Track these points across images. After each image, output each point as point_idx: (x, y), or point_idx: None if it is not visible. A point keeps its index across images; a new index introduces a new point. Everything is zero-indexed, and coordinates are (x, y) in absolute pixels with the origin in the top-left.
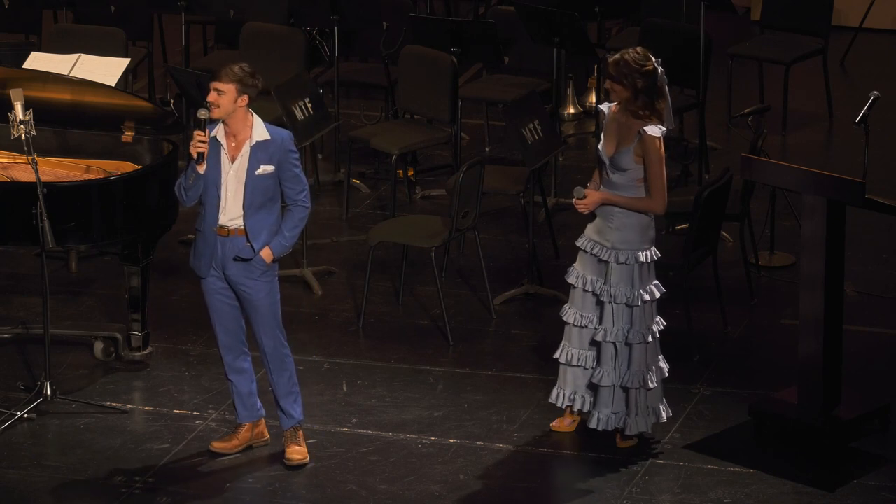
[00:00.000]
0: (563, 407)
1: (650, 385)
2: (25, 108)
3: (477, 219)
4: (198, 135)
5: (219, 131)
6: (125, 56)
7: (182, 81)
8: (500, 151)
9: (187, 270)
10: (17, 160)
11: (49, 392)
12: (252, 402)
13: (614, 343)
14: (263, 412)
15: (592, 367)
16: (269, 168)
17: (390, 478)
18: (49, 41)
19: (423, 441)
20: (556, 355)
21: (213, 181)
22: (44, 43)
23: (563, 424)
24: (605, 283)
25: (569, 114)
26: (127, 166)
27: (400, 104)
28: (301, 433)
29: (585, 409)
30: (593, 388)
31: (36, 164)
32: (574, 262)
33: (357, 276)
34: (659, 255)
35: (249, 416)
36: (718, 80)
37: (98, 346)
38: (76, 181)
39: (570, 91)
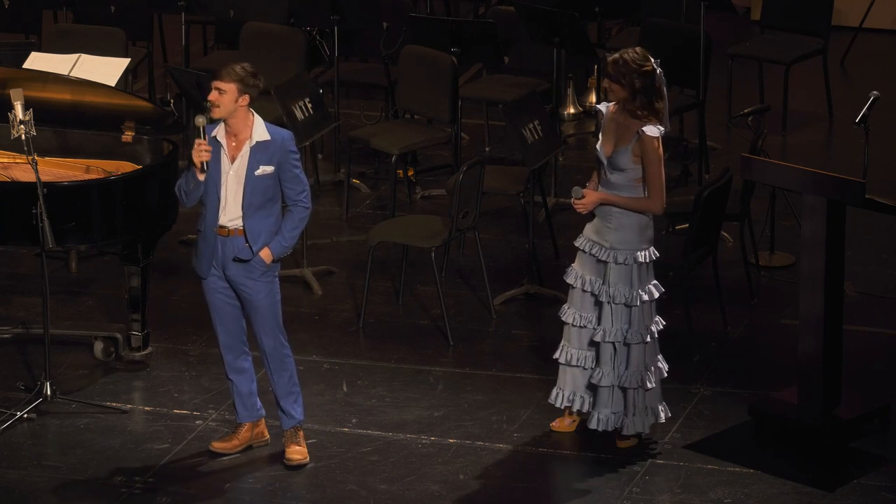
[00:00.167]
0: (563, 407)
1: (648, 385)
2: (25, 108)
3: (477, 219)
4: (200, 143)
5: (219, 131)
6: (125, 56)
7: (182, 81)
8: (500, 151)
9: (187, 270)
10: (17, 160)
11: (49, 392)
12: (252, 401)
13: (613, 343)
14: (263, 412)
15: (592, 368)
16: (269, 169)
17: (390, 478)
18: (49, 41)
19: (423, 441)
20: (556, 355)
21: (213, 181)
22: (44, 43)
23: (562, 424)
24: (603, 283)
25: (569, 114)
26: (127, 166)
27: (400, 104)
28: (301, 433)
29: (585, 410)
30: (593, 388)
31: (36, 164)
32: (573, 262)
33: (357, 276)
34: (657, 254)
35: (249, 416)
36: (718, 80)
37: (98, 346)
38: (76, 181)
39: (570, 91)
